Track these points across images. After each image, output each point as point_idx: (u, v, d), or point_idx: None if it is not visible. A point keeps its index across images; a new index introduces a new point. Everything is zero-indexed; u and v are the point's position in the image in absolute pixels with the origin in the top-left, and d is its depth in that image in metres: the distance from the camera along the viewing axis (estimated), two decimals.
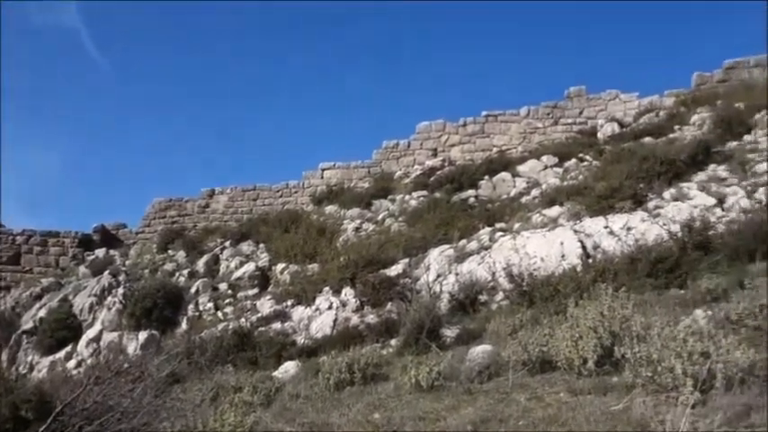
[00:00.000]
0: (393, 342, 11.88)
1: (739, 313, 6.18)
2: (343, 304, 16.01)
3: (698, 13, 65.57)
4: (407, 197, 22.73)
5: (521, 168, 22.25)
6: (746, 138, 18.06)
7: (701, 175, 16.32)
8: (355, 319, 15.02)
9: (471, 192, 21.67)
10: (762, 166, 15.55)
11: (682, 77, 36.09)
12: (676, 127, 21.33)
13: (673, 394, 4.44)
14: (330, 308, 15.95)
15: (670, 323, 5.10)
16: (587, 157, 21.31)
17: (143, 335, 17.22)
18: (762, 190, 14.04)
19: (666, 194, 15.56)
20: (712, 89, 23.48)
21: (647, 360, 4.72)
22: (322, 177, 27.66)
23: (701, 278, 9.80)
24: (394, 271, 16.52)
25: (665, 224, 13.75)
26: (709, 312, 6.74)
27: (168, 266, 22.24)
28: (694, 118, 21.26)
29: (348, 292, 16.27)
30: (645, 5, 66.17)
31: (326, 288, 16.83)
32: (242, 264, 20.83)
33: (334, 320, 15.37)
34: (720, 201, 14.64)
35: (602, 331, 5.86)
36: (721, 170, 16.28)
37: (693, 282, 10.14)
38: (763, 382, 4.34)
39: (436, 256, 16.51)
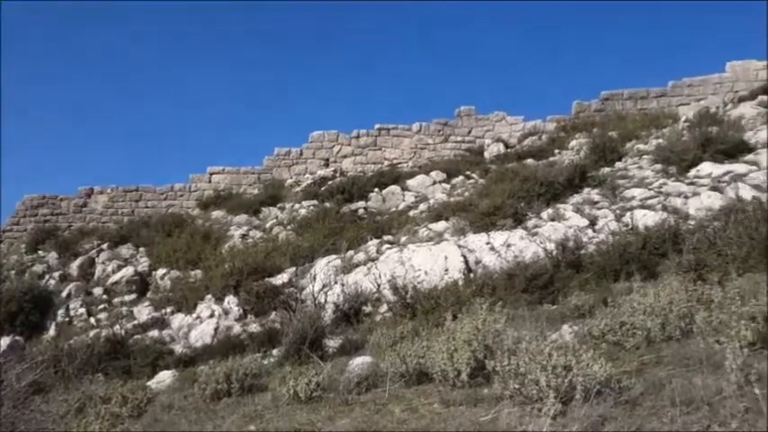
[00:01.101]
0: (275, 352, 11.72)
1: (601, 329, 6.59)
2: (226, 312, 15.67)
3: (581, 44, 69.56)
4: (297, 206, 22.62)
5: (410, 182, 22.71)
6: (618, 164, 19.33)
7: (576, 198, 17.28)
8: (237, 328, 14.74)
9: (361, 203, 21.89)
10: (630, 192, 16.67)
11: (563, 104, 38.09)
12: (556, 151, 22.53)
13: (537, 405, 4.67)
14: (212, 316, 15.57)
15: (538, 338, 5.38)
16: (474, 175, 22.07)
17: (5, 341, 16.06)
18: (629, 214, 15.03)
19: (544, 214, 16.34)
20: (590, 117, 25.01)
21: (516, 373, 4.95)
22: (210, 181, 27.01)
23: (571, 295, 10.36)
24: (280, 280, 16.37)
25: (541, 242, 14.44)
26: (575, 328, 7.15)
27: (38, 268, 20.88)
28: (573, 143, 22.54)
29: (231, 300, 15.95)
30: (536, 35, 69.50)
31: (209, 295, 16.42)
32: (120, 268, 19.91)
33: (216, 329, 15.00)
34: (592, 222, 15.55)
35: (477, 344, 6.08)
36: (594, 194, 17.30)
37: (564, 298, 10.70)
38: (618, 394, 4.66)
39: (323, 266, 16.51)
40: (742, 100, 22.18)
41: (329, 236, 18.56)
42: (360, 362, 7.76)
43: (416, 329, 9.20)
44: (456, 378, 5.96)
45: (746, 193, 14.13)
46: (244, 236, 21.00)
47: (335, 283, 15.54)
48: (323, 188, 23.41)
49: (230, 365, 8.47)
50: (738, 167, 16.35)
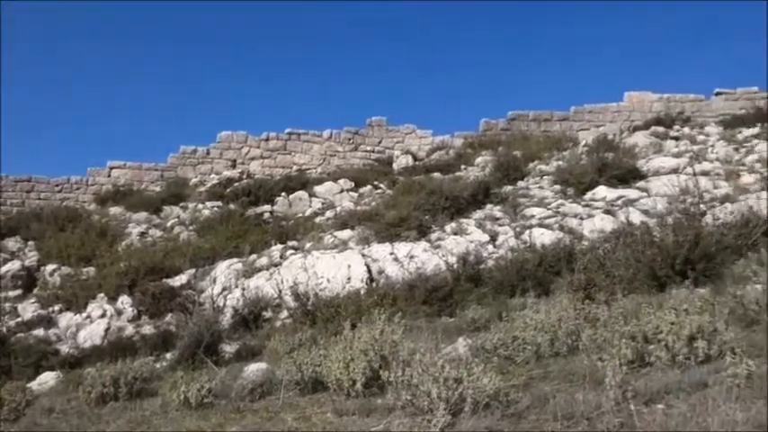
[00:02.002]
0: (168, 356, 11.37)
1: (494, 343, 6.79)
2: (119, 313, 15.08)
3: (493, 62, 71.67)
4: (201, 206, 22.09)
5: (318, 189, 22.66)
6: (520, 183, 20.01)
7: (479, 213, 17.75)
8: (130, 330, 14.21)
9: (267, 207, 21.64)
10: (530, 211, 17.29)
11: (472, 121, 39.14)
12: (463, 166, 23.10)
13: (428, 417, 4.74)
14: (103, 316, 14.92)
15: (432, 349, 5.47)
16: (382, 185, 22.28)
17: None
18: (528, 232, 15.56)
19: (448, 228, 16.69)
20: (496, 136, 25.78)
21: (408, 384, 5.00)
22: (109, 176, 25.90)
23: (469, 308, 10.61)
24: (178, 281, 15.92)
25: (444, 255, 14.73)
26: (470, 341, 7.32)
27: None
28: (479, 160, 23.17)
29: (125, 301, 15.37)
30: (447, 49, 71.05)
31: (101, 294, 15.75)
32: (5, 261, 18.73)
33: (107, 329, 14.39)
34: (493, 238, 16.01)
35: (373, 354, 6.11)
36: (497, 210, 17.83)
37: (462, 311, 10.94)
38: (505, 407, 4.80)
39: (224, 269, 16.20)
40: (637, 129, 23.49)
41: (232, 238, 18.24)
42: (255, 368, 7.65)
43: (315, 337, 9.16)
44: (351, 388, 5.96)
45: (636, 217, 14.90)
46: (142, 234, 20.29)
47: (236, 287, 15.28)
48: (228, 189, 22.98)
49: (119, 368, 8.14)
50: (630, 193, 17.28)
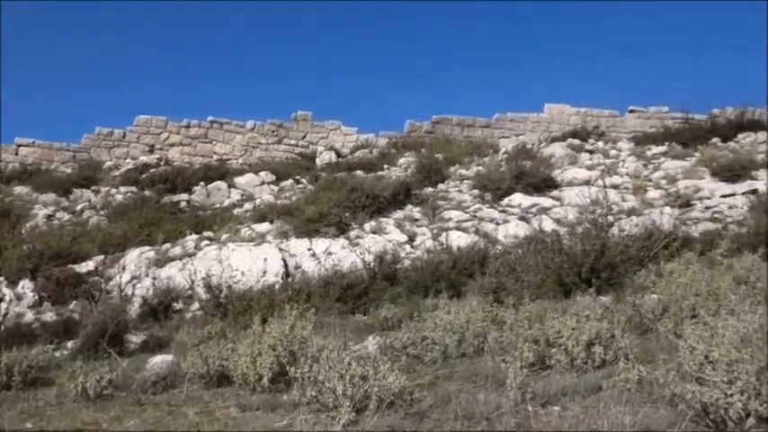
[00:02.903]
0: (70, 344, 10.91)
1: (403, 342, 6.87)
2: (19, 298, 14.35)
3: (425, 64, 72.39)
4: (114, 191, 21.30)
5: (238, 180, 22.27)
6: (441, 186, 20.30)
7: (399, 213, 17.89)
8: (30, 316, 13.56)
9: (184, 196, 21.09)
10: (448, 214, 17.58)
11: (397, 122, 39.42)
12: (386, 166, 23.23)
13: (332, 413, 4.75)
14: (1, 300, 14.17)
15: (341, 347, 5.48)
16: (303, 180, 22.12)
17: None
18: (445, 234, 15.81)
19: (367, 226, 16.75)
20: (420, 138, 26.06)
21: (315, 380, 5.00)
22: (17, 154, 24.62)
23: (383, 307, 10.68)
24: (85, 267, 15.28)
25: (361, 253, 14.74)
26: (380, 339, 7.38)
27: None
28: (401, 161, 23.37)
29: (26, 285, 14.64)
30: (379, 49, 71.28)
31: (1, 278, 14.94)
32: None
33: (5, 315, 13.64)
34: (411, 238, 16.19)
35: (282, 350, 6.07)
36: (416, 211, 18.03)
37: (376, 310, 11.01)
38: (409, 406, 4.86)
39: (135, 258, 15.68)
40: (555, 140, 24.23)
41: (145, 226, 17.69)
42: (160, 360, 7.45)
43: (225, 330, 9.02)
44: (257, 383, 5.90)
45: (549, 225, 15.41)
46: (49, 216, 19.39)
47: (147, 276, 14.84)
48: (144, 175, 22.27)
49: (14, 356, 7.76)
50: (545, 201, 17.84)
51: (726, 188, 17.36)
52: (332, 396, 4.81)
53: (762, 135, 22.46)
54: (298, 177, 22.34)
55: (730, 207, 16.26)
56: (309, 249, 15.48)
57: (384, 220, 17.32)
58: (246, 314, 10.15)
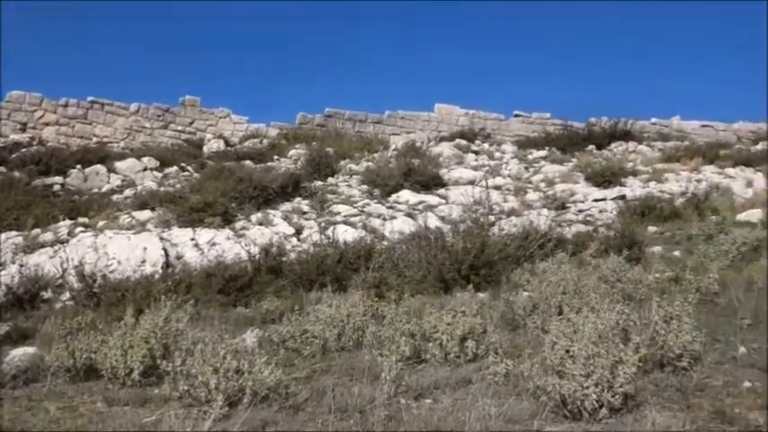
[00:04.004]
0: None
1: (283, 336, 6.83)
2: None
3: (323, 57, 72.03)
4: None
5: (119, 165, 21.29)
6: (330, 179, 20.31)
7: (286, 205, 17.74)
8: None
9: (59, 179, 19.92)
10: (337, 208, 17.61)
11: (289, 113, 39.08)
12: (276, 157, 22.97)
13: (205, 408, 4.65)
14: None
15: (216, 339, 5.37)
16: (189, 168, 21.49)
17: None
18: (332, 228, 15.82)
19: (254, 217, 16.49)
20: (312, 130, 25.94)
21: (187, 374, 4.88)
22: None
23: (265, 300, 10.55)
24: None
25: (247, 245, 14.49)
26: (260, 332, 7.30)
27: None
28: (292, 152, 23.19)
29: None
30: (277, 42, 70.25)
31: None
32: None
33: None
34: (298, 231, 16.09)
35: (155, 342, 5.88)
36: (304, 204, 17.94)
37: (258, 303, 10.86)
38: (284, 399, 4.84)
39: (1, 243, 14.66)
40: (443, 139, 24.85)
41: (13, 209, 16.54)
42: (21, 353, 7.01)
43: (96, 322, 8.59)
44: (127, 377, 5.68)
45: (434, 222, 15.74)
46: None
47: (13, 262, 13.89)
48: (14, 155, 20.83)
49: None
50: (431, 199, 18.25)
51: (598, 193, 18.43)
52: (204, 390, 4.72)
53: (632, 145, 24.06)
54: (183, 165, 21.67)
55: (601, 211, 17.28)
56: (192, 239, 15.05)
57: (272, 211, 17.12)
58: (120, 305, 9.72)
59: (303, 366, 6.02)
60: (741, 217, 14.98)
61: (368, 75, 68.76)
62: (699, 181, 18.78)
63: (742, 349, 5.18)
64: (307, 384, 5.34)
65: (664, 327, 4.98)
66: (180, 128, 25.57)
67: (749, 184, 18.75)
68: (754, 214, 14.89)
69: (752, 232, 12.12)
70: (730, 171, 19.82)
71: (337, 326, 6.79)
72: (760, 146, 23.37)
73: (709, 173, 19.75)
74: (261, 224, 16.18)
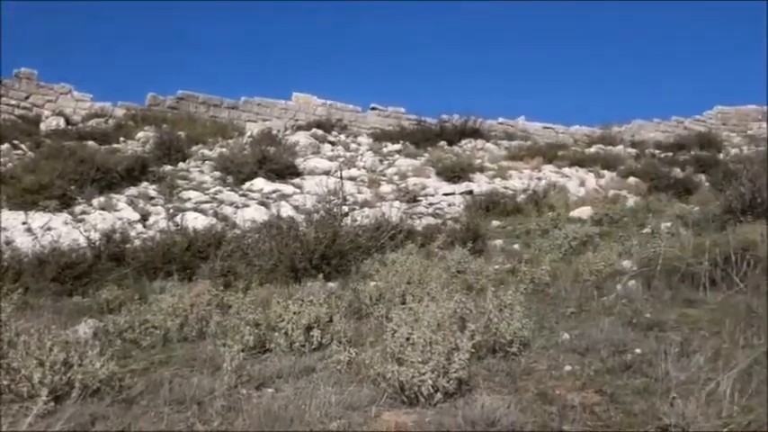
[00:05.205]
0: None
1: (121, 326, 6.50)
2: None
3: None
4: None
5: None
6: (181, 165, 19.61)
7: (132, 190, 16.93)
8: None
9: None
10: (187, 194, 17.03)
11: (138, 93, 37.12)
12: (122, 138, 21.80)
13: (27, 403, 4.33)
14: None
15: (43, 330, 5.01)
16: (23, 146, 19.93)
17: None
18: (181, 215, 15.28)
19: (96, 202, 15.60)
20: (163, 112, 24.88)
21: (8, 368, 4.51)
22: None
23: (105, 289, 9.99)
24: None
25: (86, 231, 13.65)
26: (96, 323, 6.90)
27: None
28: (140, 135, 22.11)
29: None
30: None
31: None
32: None
33: None
34: (144, 217, 15.41)
35: None
36: (152, 189, 17.19)
37: (97, 291, 10.25)
38: (117, 393, 4.61)
39: None
40: (300, 129, 24.75)
41: None
42: None
43: None
44: None
45: (288, 211, 15.69)
46: None
47: None
48: None
49: None
50: (286, 188, 18.14)
51: (447, 187, 19.18)
52: (27, 385, 4.39)
53: (480, 142, 25.25)
54: (16, 142, 20.01)
55: (450, 205, 18.02)
56: (25, 224, 14.00)
57: (116, 196, 16.28)
58: None
59: (141, 358, 5.77)
60: (574, 214, 16.19)
61: (223, 58, 66.91)
62: (539, 179, 20.09)
63: (566, 335, 5.59)
64: (143, 376, 5.11)
65: (497, 315, 5.26)
66: (14, 102, 23.57)
67: (582, 183, 20.31)
68: (585, 211, 16.15)
69: (582, 228, 13.14)
70: (566, 171, 21.36)
71: (180, 316, 6.56)
72: (593, 148, 25.39)
73: (549, 171, 21.16)
74: (103, 209, 15.34)
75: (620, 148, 26.08)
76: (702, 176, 19.85)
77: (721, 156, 25.02)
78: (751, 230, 8.90)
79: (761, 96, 46.40)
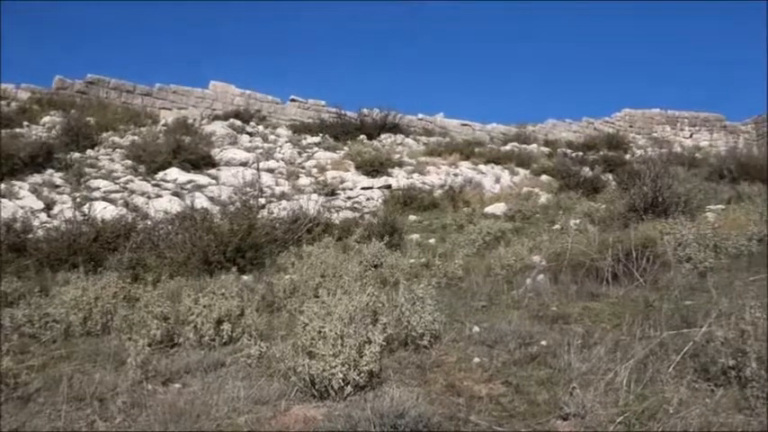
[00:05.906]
0: None
1: (18, 320, 6.19)
2: None
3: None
4: None
5: None
6: (90, 152, 18.82)
7: (36, 177, 16.12)
8: None
9: None
10: (96, 183, 16.36)
11: (44, 75, 35.36)
12: (26, 123, 20.72)
13: None
14: None
15: None
16: None
17: None
18: (89, 204, 14.65)
19: None
20: (71, 97, 23.77)
21: None
22: None
23: (3, 280, 9.47)
24: None
25: None
26: None
27: None
28: (46, 119, 21.07)
29: None
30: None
31: None
32: None
33: None
34: (49, 206, 14.70)
35: None
36: (58, 177, 16.42)
37: None
38: (13, 390, 4.39)
39: None
40: (217, 118, 24.18)
41: None
42: None
43: None
44: None
45: (202, 203, 15.30)
46: None
47: None
48: None
49: None
50: (201, 179, 17.69)
51: (366, 181, 19.21)
52: None
53: (400, 137, 25.42)
54: None
55: (368, 199, 18.06)
56: None
57: (18, 183, 15.45)
58: None
59: (40, 353, 5.51)
60: (489, 209, 16.56)
61: (135, 42, 64.66)
62: (456, 175, 20.40)
63: (476, 328, 5.71)
64: (42, 372, 4.89)
65: (409, 308, 5.32)
66: None
67: (497, 180, 20.79)
68: (500, 207, 16.56)
69: (495, 223, 13.46)
70: (482, 167, 21.79)
71: (83, 309, 6.30)
72: (509, 146, 26.02)
73: (465, 168, 21.53)
74: (3, 197, 14.52)
75: (533, 146, 26.84)
76: (610, 176, 20.66)
77: (627, 156, 26.17)
78: (651, 228, 9.37)
79: (665, 101, 48.91)
